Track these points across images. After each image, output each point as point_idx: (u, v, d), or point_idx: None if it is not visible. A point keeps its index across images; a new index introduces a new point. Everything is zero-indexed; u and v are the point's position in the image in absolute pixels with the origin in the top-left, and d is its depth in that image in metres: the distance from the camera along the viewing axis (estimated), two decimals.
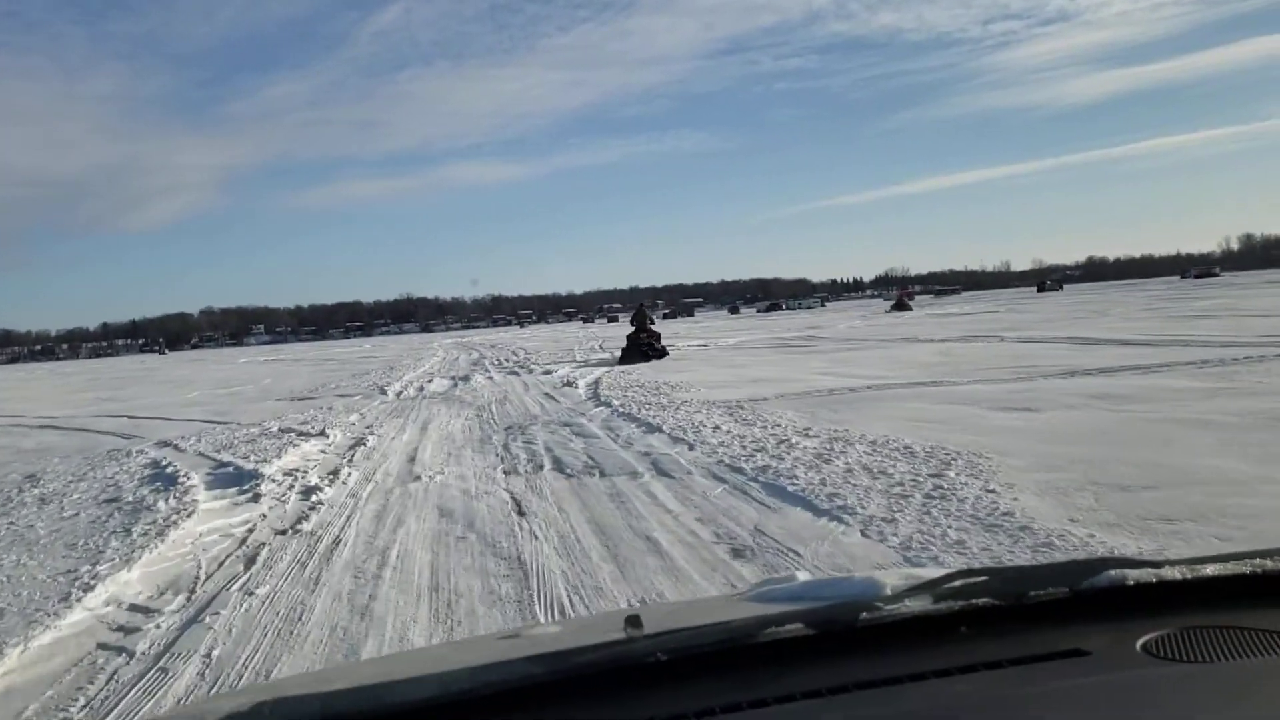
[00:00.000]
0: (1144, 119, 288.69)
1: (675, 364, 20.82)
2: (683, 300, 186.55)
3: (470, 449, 9.57)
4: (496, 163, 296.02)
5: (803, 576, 1.61)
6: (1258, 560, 1.18)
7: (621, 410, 11.61)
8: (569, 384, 16.82)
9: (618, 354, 24.33)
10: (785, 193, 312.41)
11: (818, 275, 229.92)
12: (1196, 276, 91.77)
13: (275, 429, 12.58)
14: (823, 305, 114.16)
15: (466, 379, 20.58)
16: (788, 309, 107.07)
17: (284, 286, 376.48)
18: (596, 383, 16.47)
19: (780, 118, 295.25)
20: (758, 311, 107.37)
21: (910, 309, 55.21)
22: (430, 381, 20.73)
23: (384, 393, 18.24)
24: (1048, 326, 24.50)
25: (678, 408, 11.30)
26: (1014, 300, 63.86)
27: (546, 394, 15.42)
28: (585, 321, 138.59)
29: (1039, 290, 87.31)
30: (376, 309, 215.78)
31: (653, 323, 25.65)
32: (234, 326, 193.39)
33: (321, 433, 11.45)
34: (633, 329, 24.82)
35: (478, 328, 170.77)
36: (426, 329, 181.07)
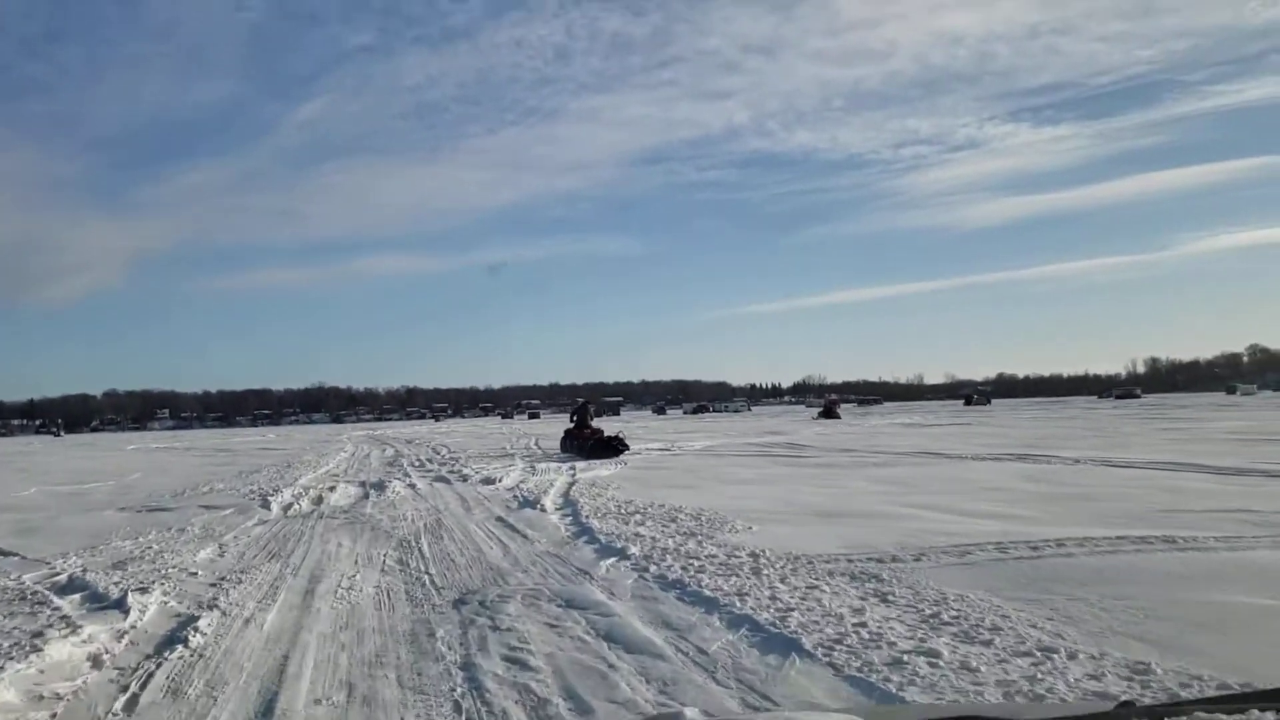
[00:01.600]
0: (1046, 244, 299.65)
1: (654, 474, 16.11)
2: (602, 399, 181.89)
3: (394, 671, 4.69)
4: (415, 256, 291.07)
5: (690, 715, 1.57)
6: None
7: (655, 572, 6.74)
8: (529, 503, 11.96)
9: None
10: (705, 297, 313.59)
11: (737, 379, 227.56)
12: (1118, 397, 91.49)
13: (62, 578, 7.45)
14: (749, 409, 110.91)
15: (381, 486, 15.47)
16: (715, 411, 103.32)
17: (192, 371, 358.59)
18: (570, 503, 11.69)
19: (701, 226, 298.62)
20: (685, 413, 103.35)
21: (839, 417, 51.78)
22: (333, 489, 15.58)
23: (267, 505, 13.05)
24: (1070, 444, 20.60)
25: (756, 572, 6.54)
26: (949, 413, 61.16)
27: (499, 518, 10.56)
28: (504, 417, 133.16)
29: (966, 404, 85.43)
30: (287, 397, 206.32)
31: (593, 418, 24.51)
32: (138, 410, 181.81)
33: (121, 602, 6.35)
34: (572, 425, 23.70)
35: (390, 420, 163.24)
36: (337, 419, 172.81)
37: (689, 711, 1.64)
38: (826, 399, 60.65)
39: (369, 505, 12.93)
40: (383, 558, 8.16)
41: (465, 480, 16.31)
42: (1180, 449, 17.67)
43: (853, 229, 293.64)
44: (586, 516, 10.00)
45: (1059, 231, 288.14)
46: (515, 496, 13.02)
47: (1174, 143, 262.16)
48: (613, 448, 21.71)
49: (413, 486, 15.59)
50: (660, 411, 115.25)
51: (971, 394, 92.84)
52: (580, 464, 19.19)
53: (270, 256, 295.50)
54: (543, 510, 11.07)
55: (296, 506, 13.07)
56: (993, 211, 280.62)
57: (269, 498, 13.86)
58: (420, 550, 8.45)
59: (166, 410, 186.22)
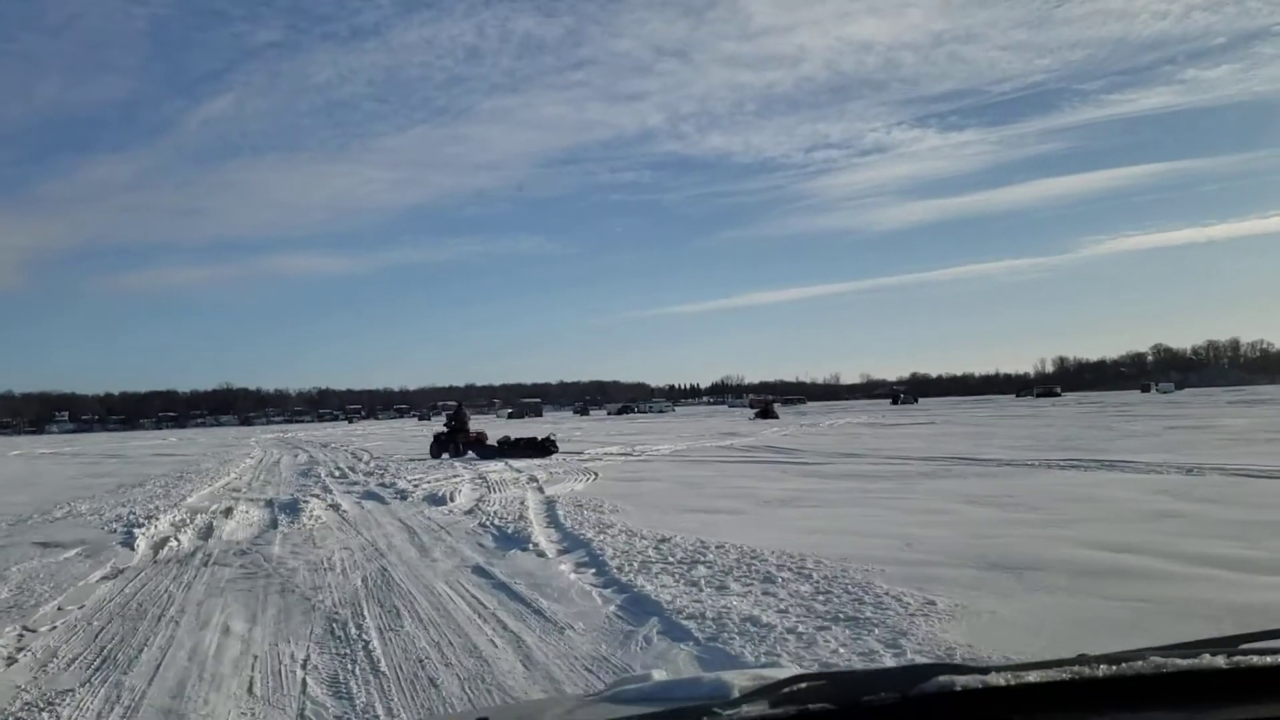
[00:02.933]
0: (953, 247, 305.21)
1: (645, 488, 12.53)
2: (520, 400, 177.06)
3: None
4: (326, 255, 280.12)
5: (658, 675, 1.55)
6: (1076, 667, 1.17)
7: None
8: (511, 538, 8.30)
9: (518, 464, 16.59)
10: (621, 299, 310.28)
11: (656, 380, 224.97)
12: (1038, 395, 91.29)
13: None
14: (673, 409, 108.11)
15: (294, 508, 11.61)
16: (639, 412, 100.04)
17: (94, 373, 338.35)
18: (571, 538, 8.07)
19: (616, 227, 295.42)
20: (609, 414, 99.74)
21: (777, 417, 48.97)
22: (230, 511, 11.67)
23: (132, 541, 9.12)
24: (1119, 447, 17.82)
25: None
26: (891, 412, 59.00)
27: (478, 568, 6.95)
28: (421, 419, 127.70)
29: (893, 403, 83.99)
30: (194, 399, 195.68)
31: (469, 420, 24.19)
32: (35, 413, 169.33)
33: None
34: (446, 428, 23.83)
35: (302, 421, 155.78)
36: (246, 422, 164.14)
37: (656, 673, 1.61)
38: (763, 399, 57.25)
39: (277, 539, 9.13)
40: (300, 671, 4.48)
41: (404, 498, 12.53)
42: (1255, 451, 14.95)
43: (766, 231, 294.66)
44: (619, 568, 6.43)
45: (965, 235, 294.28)
46: (483, 525, 9.36)
47: (1073, 149, 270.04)
48: (543, 448, 20.93)
49: (335, 507, 11.76)
50: (583, 412, 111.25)
51: (898, 393, 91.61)
52: (492, 466, 15.78)
53: (175, 255, 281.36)
54: (540, 553, 7.43)
55: (174, 543, 9.16)
56: (901, 215, 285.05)
57: (137, 528, 9.88)
58: (369, 649, 4.78)
59: (66, 413, 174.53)
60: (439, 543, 8.42)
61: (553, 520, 9.39)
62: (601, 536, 7.96)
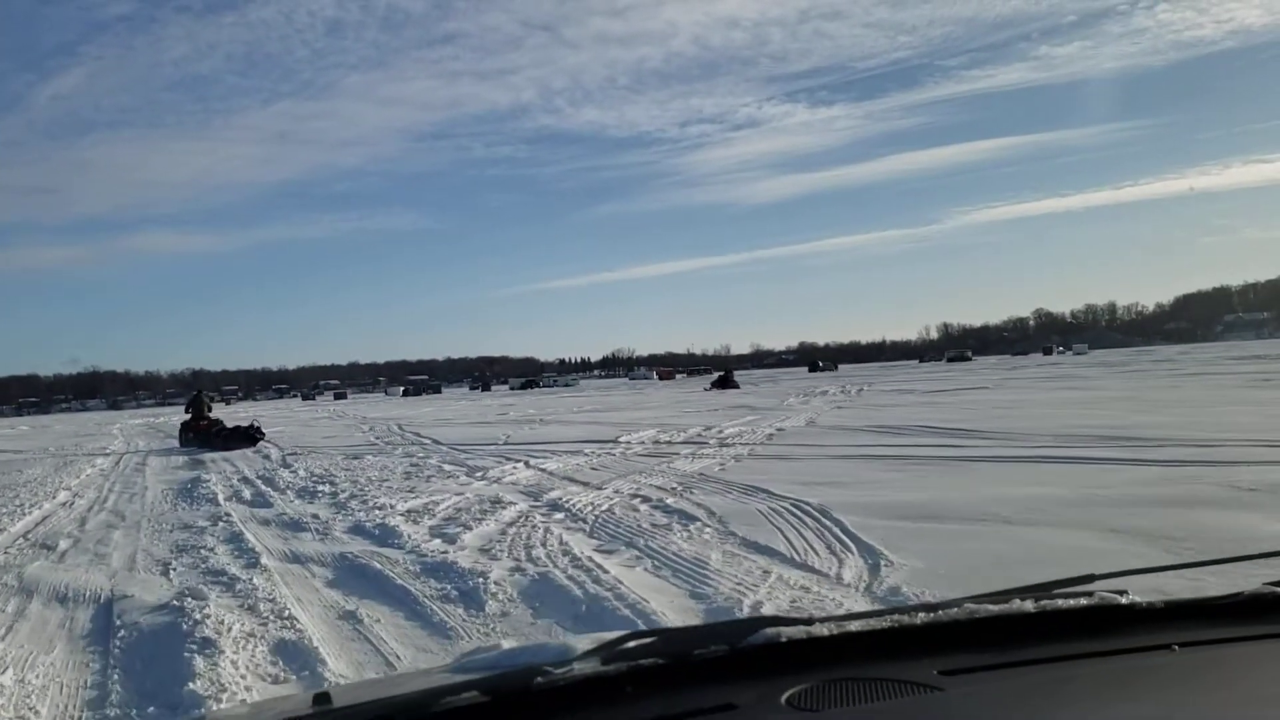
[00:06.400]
0: (824, 219, 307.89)
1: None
2: (408, 378, 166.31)
3: None
4: (194, 233, 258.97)
5: (507, 644, 1.53)
6: (895, 616, 1.19)
7: None
8: None
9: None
10: (504, 274, 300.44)
11: (544, 354, 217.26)
12: (950, 360, 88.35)
13: None
14: (578, 383, 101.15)
15: (178, 613, 4.46)
16: (545, 386, 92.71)
17: None
18: None
19: (494, 202, 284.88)
20: (511, 389, 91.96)
21: (738, 386, 42.75)
22: (29, 598, 4.40)
23: None
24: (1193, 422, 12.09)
25: None
26: (791, 380, 53.92)
27: None
28: (305, 398, 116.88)
29: (810, 370, 79.36)
30: (57, 384, 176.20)
31: (210, 409, 22.27)
32: None
33: None
34: (188, 416, 21.97)
35: (176, 404, 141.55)
36: (115, 406, 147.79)
37: (504, 642, 1.58)
38: (725, 371, 49.17)
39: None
40: None
41: (400, 542, 5.54)
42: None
43: (644, 205, 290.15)
44: None
45: (836, 207, 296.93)
46: None
47: (937, 124, 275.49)
48: (249, 437, 19.30)
49: (259, 576, 4.63)
50: (484, 388, 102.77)
51: (816, 361, 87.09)
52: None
53: (31, 235, 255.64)
54: None
55: None
56: (775, 188, 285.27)
57: None
58: None
59: None
60: None
61: None
62: None
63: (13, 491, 11.94)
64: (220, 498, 9.95)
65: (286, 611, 4.71)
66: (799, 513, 6.67)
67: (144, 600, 5.17)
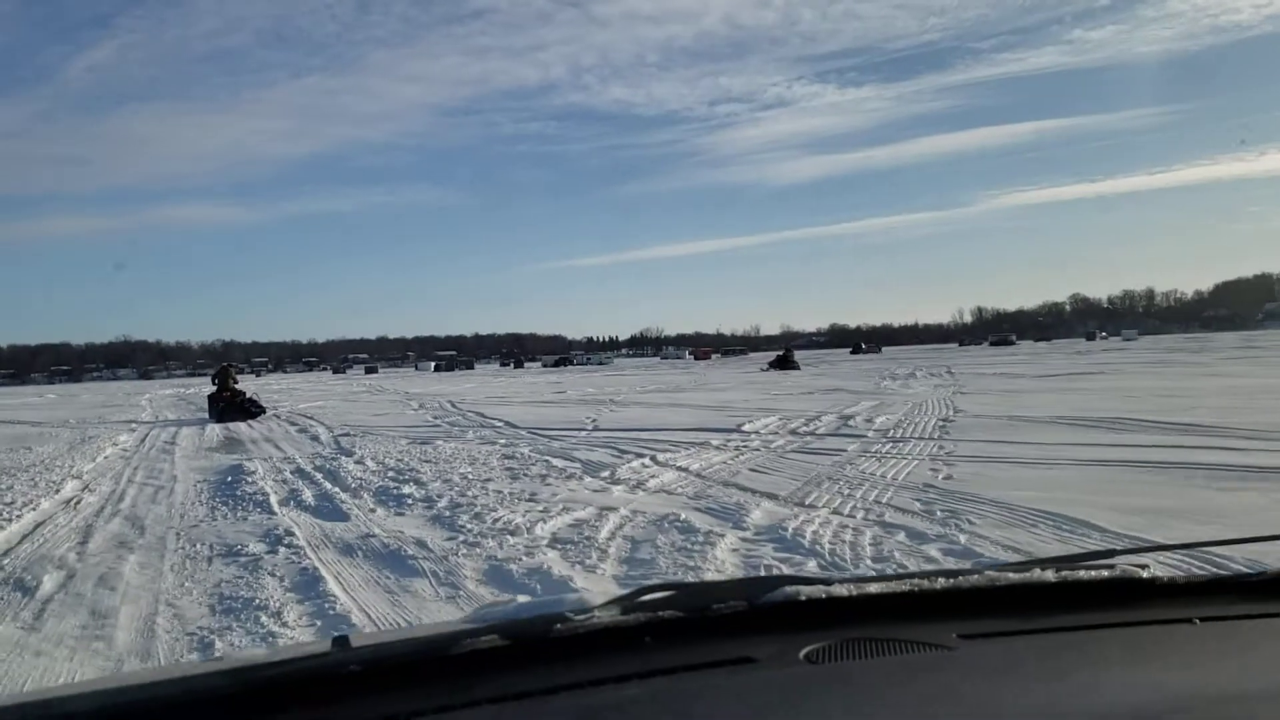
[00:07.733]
0: (852, 201, 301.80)
1: None
2: (437, 353, 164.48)
3: None
4: (224, 205, 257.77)
5: (523, 599, 1.50)
6: (915, 579, 1.17)
7: None
8: None
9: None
10: (532, 250, 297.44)
11: (572, 332, 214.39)
12: (993, 343, 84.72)
13: None
14: (612, 361, 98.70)
15: None
16: (578, 364, 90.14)
17: None
18: None
19: (522, 178, 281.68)
20: (544, 366, 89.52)
21: (798, 367, 39.73)
22: None
23: None
24: None
25: None
26: (843, 361, 50.84)
27: None
28: (335, 372, 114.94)
29: (853, 352, 76.11)
30: (89, 353, 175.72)
31: (235, 381, 20.62)
32: None
33: None
34: (214, 388, 20.40)
35: (205, 375, 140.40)
36: (146, 375, 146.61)
37: (520, 598, 1.66)
38: (786, 349, 45.07)
39: None
40: None
41: None
42: None
43: (672, 184, 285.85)
44: None
45: (865, 189, 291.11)
46: None
47: (967, 106, 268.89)
48: (246, 410, 18.95)
49: None
50: (518, 365, 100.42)
51: (859, 344, 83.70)
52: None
53: (64, 204, 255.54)
54: None
55: None
56: (802, 168, 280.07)
57: None
58: None
59: None
60: None
61: None
62: None
63: (8, 480, 9.42)
64: (273, 500, 7.35)
65: None
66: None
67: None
